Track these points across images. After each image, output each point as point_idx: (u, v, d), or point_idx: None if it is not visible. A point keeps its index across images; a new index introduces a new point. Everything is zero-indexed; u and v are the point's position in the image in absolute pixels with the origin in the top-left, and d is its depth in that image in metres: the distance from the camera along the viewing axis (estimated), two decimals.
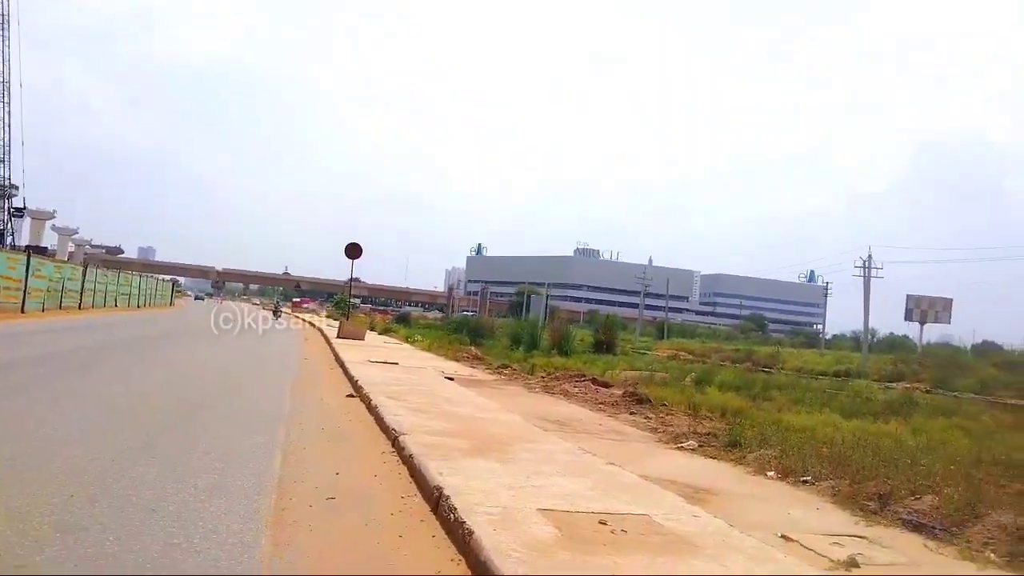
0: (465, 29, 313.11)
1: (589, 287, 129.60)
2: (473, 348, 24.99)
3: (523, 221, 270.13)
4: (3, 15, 53.39)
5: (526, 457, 7.14)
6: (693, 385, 20.26)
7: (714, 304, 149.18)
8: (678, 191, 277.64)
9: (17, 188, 64.81)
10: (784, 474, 7.58)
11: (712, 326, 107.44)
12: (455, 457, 6.82)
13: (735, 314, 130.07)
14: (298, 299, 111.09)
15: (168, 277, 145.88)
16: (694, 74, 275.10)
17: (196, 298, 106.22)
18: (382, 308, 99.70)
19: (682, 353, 43.40)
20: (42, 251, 60.93)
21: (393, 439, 7.76)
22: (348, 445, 7.82)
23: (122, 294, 37.21)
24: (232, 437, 7.46)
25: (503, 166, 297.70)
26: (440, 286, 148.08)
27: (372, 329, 40.59)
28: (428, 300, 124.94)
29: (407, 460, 6.84)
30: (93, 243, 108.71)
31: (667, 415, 12.18)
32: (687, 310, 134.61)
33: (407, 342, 30.22)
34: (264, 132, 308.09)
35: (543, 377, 17.58)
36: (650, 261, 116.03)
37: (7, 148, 56.81)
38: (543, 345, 31.44)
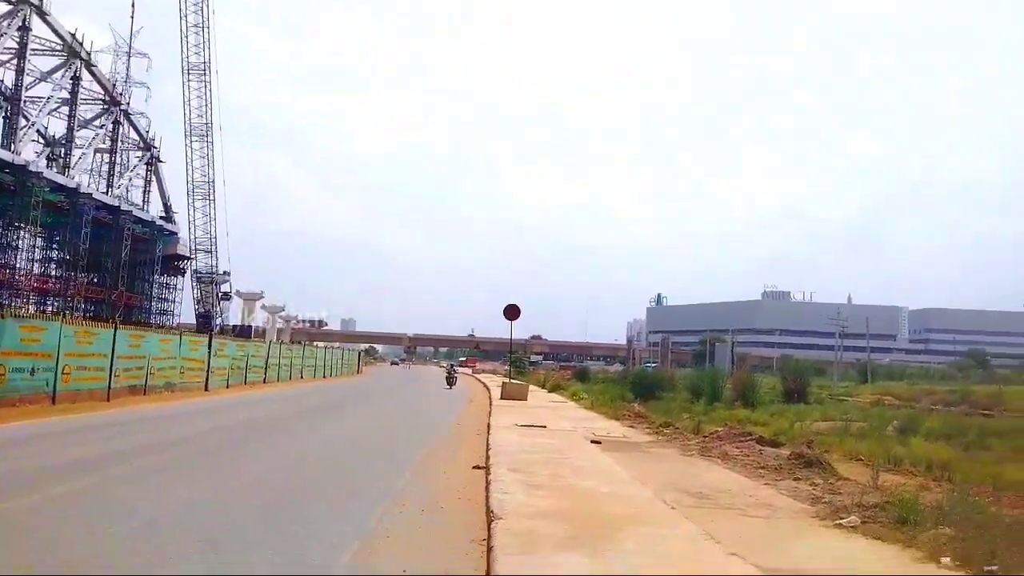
0: (625, 87, 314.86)
1: (781, 331, 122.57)
2: (636, 405, 23.68)
3: (704, 269, 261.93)
4: (206, 124, 59.72)
5: (629, 547, 6.08)
6: (895, 434, 17.92)
7: (926, 341, 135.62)
8: (869, 223, 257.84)
9: (228, 274, 71.49)
10: (964, 561, 5.92)
11: (925, 365, 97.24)
12: (542, 549, 5.96)
13: (951, 351, 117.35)
14: (463, 359, 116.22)
15: (365, 345, 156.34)
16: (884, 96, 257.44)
17: (392, 363, 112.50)
18: (565, 363, 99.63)
19: (887, 398, 39.20)
20: (247, 330, 66.80)
21: (488, 523, 6.97)
22: (440, 531, 7.17)
23: (308, 366, 39.46)
24: (318, 524, 7.08)
25: (680, 214, 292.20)
26: (622, 339, 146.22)
27: (543, 386, 40.17)
28: (610, 353, 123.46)
29: (489, 552, 6.01)
30: (299, 319, 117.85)
31: (839, 480, 10.45)
32: (895, 349, 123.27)
33: (572, 399, 29.38)
34: (444, 204, 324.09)
35: (705, 437, 16.03)
36: (848, 300, 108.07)
37: (214, 240, 63.06)
38: (726, 396, 29.51)
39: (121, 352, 18.51)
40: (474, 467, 10.83)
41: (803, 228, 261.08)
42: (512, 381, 30.31)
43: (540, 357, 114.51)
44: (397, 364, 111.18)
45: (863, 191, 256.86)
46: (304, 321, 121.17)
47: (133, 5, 56.30)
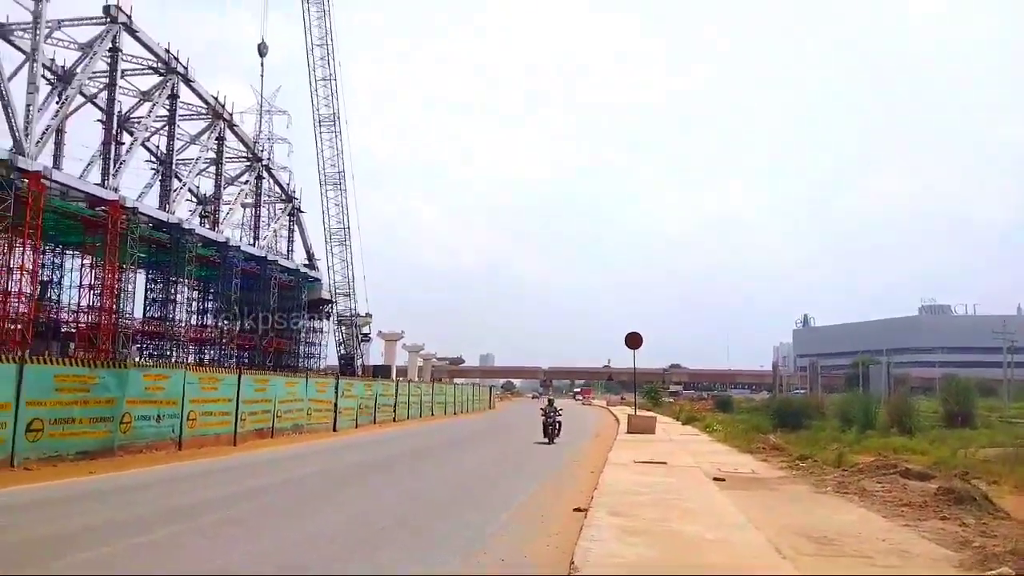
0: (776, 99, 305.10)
1: (944, 349, 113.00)
2: (772, 437, 22.10)
3: (853, 285, 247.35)
4: (339, 173, 62.51)
5: None
6: None
7: None
8: None
9: (370, 316, 74.06)
10: None
11: None
12: None
13: None
14: (577, 391, 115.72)
15: (503, 380, 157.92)
16: None
17: (532, 396, 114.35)
18: (708, 393, 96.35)
19: None
20: (386, 370, 68.72)
21: None
22: None
23: (438, 403, 39.84)
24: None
25: (824, 229, 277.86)
26: (768, 365, 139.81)
27: (677, 418, 38.69)
28: (755, 380, 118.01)
29: None
30: (438, 356, 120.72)
31: (996, 519, 9.05)
32: None
33: (706, 432, 27.94)
34: (574, 232, 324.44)
35: (845, 471, 14.55)
36: (1019, 311, 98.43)
37: (351, 283, 65.46)
38: (880, 422, 27.20)
39: (246, 397, 19.14)
40: (575, 509, 10.20)
41: (960, 233, 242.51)
42: (638, 414, 29.19)
43: (679, 387, 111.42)
44: (537, 397, 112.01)
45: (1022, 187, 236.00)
46: (444, 359, 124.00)
47: (263, 65, 59.67)
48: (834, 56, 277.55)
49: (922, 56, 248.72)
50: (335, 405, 24.72)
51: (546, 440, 22.57)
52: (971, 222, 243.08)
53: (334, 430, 24.36)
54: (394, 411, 31.14)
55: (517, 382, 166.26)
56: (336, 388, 24.99)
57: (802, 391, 68.83)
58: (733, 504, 10.41)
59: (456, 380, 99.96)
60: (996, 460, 15.96)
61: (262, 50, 58.72)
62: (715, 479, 13.51)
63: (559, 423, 23.58)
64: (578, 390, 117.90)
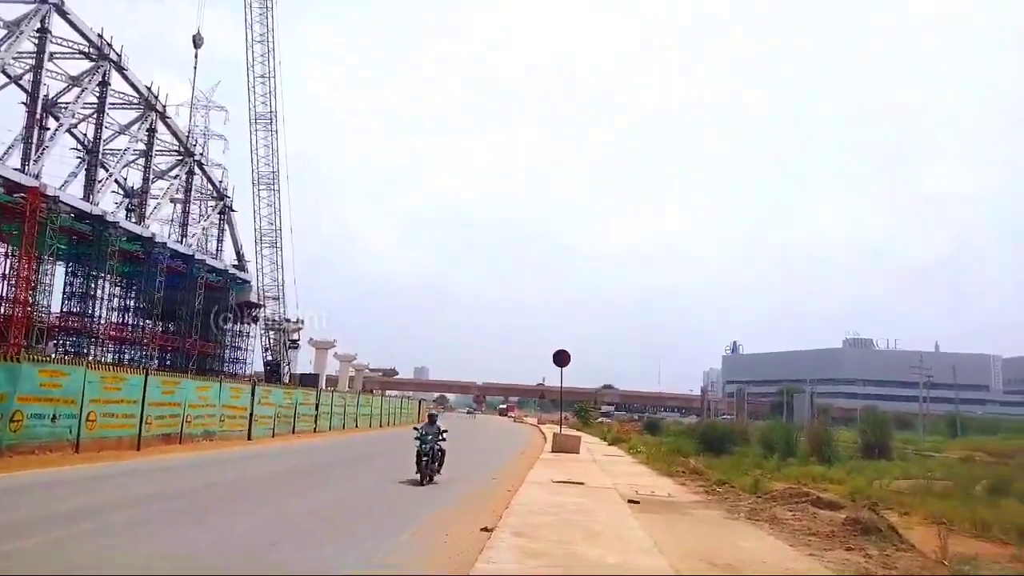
0: (700, 122, 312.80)
1: (865, 381, 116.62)
2: (692, 461, 22.14)
3: (781, 314, 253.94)
4: (273, 173, 61.24)
5: None
6: (985, 495, 16.01)
7: None
8: (957, 269, 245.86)
9: (301, 322, 72.45)
10: None
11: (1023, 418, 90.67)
12: None
13: None
14: (504, 406, 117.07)
15: (436, 394, 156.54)
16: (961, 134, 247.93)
17: (468, 412, 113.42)
18: (638, 414, 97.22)
19: (979, 454, 36.04)
20: (313, 378, 67.23)
21: None
22: None
23: (363, 415, 38.93)
24: None
25: (757, 256, 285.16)
26: (697, 389, 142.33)
27: (604, 438, 38.70)
28: (684, 404, 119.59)
29: None
30: (371, 367, 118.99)
31: (899, 550, 9.03)
32: (989, 401, 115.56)
33: (629, 453, 27.91)
34: (513, 250, 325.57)
35: (759, 497, 14.54)
36: (936, 347, 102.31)
37: (281, 287, 64.03)
38: (801, 451, 27.58)
39: (153, 399, 18.19)
40: (482, 529, 9.81)
41: (885, 271, 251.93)
42: (563, 433, 28.94)
43: (611, 408, 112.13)
44: (472, 414, 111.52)
45: (947, 230, 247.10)
46: (377, 370, 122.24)
47: (196, 56, 57.99)
48: (778, 89, 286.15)
49: (863, 95, 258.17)
50: (251, 412, 23.77)
51: (417, 478, 15.18)
52: (895, 259, 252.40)
53: (249, 438, 23.40)
54: (315, 421, 30.22)
55: (451, 396, 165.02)
56: (252, 394, 24.04)
57: (729, 416, 69.97)
58: (642, 527, 10.22)
59: (389, 392, 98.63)
60: (909, 492, 16.23)
61: (197, 41, 57.25)
62: (630, 501, 13.36)
63: (440, 452, 15.97)
64: (504, 406, 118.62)
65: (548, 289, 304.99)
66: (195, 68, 57.92)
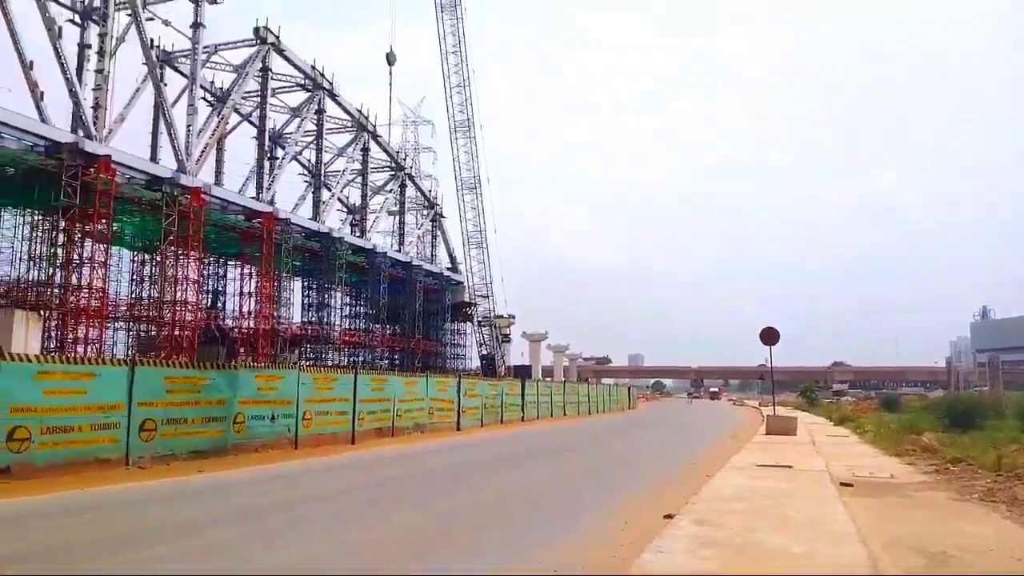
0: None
1: None
2: (924, 438, 19.96)
3: None
4: (475, 177, 63.54)
5: None
6: None
7: None
8: None
9: (513, 318, 74.93)
10: None
11: None
12: None
13: None
14: (715, 389, 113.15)
15: (652, 380, 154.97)
16: None
17: (689, 395, 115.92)
18: (875, 392, 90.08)
19: None
20: (526, 370, 69.01)
21: None
22: None
23: (570, 403, 39.29)
24: None
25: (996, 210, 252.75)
26: (942, 361, 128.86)
27: (829, 418, 36.32)
28: (928, 378, 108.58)
29: None
30: (584, 356, 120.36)
31: None
32: None
33: (855, 433, 25.83)
34: (726, 229, 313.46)
35: (999, 476, 12.76)
36: None
37: (490, 285, 66.32)
38: None
39: (363, 396, 19.48)
40: (665, 516, 9.41)
41: None
42: (777, 414, 27.33)
43: (844, 386, 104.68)
44: (689, 398, 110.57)
45: None
46: (590, 359, 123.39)
47: (391, 74, 61.41)
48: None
49: None
50: (458, 404, 24.92)
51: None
52: None
53: (457, 429, 24.57)
54: (522, 411, 31.01)
55: (668, 382, 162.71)
56: (458, 388, 25.18)
57: (981, 389, 62.97)
58: (846, 513, 9.29)
59: (603, 380, 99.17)
60: None
61: (390, 59, 60.59)
62: (841, 484, 12.22)
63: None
64: (715, 389, 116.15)
65: (762, 263, 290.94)
66: (391, 85, 61.45)
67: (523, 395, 31.70)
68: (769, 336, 25.27)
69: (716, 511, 9.20)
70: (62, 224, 32.10)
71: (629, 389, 68.03)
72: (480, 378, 35.32)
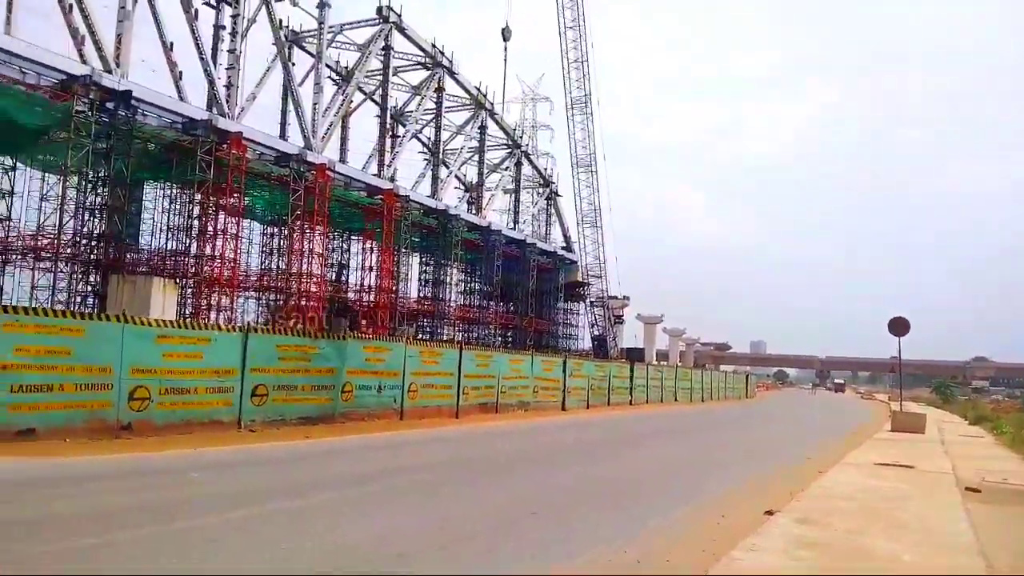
0: None
1: None
2: None
3: None
4: (590, 155, 62.81)
5: None
6: None
7: None
8: None
9: (627, 299, 74.14)
10: None
11: None
12: None
13: None
14: (840, 381, 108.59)
15: (775, 369, 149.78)
16: None
17: (813, 386, 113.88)
18: (1020, 389, 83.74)
19: None
20: (638, 353, 68.00)
21: None
22: None
23: (682, 389, 38.38)
24: None
25: None
26: None
27: (964, 417, 33.98)
28: None
29: None
30: (702, 341, 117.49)
31: None
32: None
33: (992, 434, 24.02)
34: (859, 212, 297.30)
35: None
36: None
37: (603, 265, 65.57)
38: None
39: (469, 371, 19.66)
40: (766, 512, 8.94)
41: None
42: (903, 411, 25.69)
43: (985, 382, 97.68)
44: (816, 387, 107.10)
45: None
46: (709, 344, 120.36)
47: (506, 49, 61.08)
48: None
49: None
50: (563, 384, 24.80)
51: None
52: None
53: (563, 409, 24.46)
54: (630, 394, 30.55)
55: (792, 371, 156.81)
56: (564, 368, 25.03)
57: None
58: (968, 520, 8.53)
59: (723, 367, 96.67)
60: None
61: (505, 35, 60.27)
62: (967, 489, 11.28)
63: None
64: (840, 381, 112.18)
65: (897, 252, 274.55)
66: (505, 61, 61.18)
67: (632, 378, 31.24)
68: (898, 326, 23.65)
69: (822, 510, 8.67)
70: (197, 197, 34.11)
71: (747, 377, 65.88)
72: (590, 359, 35.02)
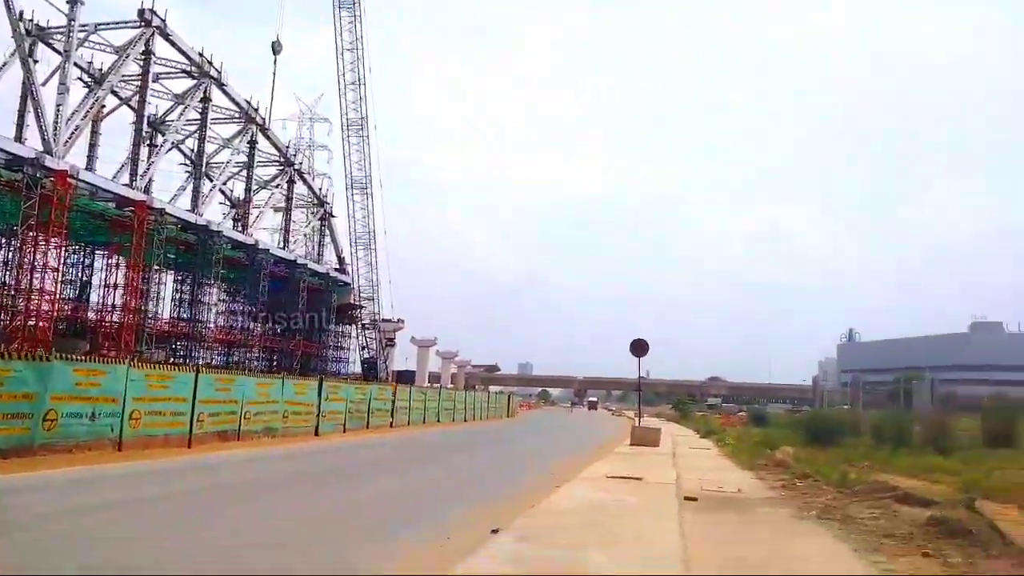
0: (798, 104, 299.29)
1: (995, 367, 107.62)
2: (778, 453, 20.96)
3: (900, 300, 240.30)
4: (366, 177, 62.93)
5: None
6: None
7: None
8: None
9: (402, 322, 74.35)
10: None
11: None
12: None
13: None
14: (594, 399, 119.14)
15: (540, 389, 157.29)
16: None
17: (572, 405, 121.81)
18: (746, 406, 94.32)
19: None
20: (409, 375, 68.63)
21: None
22: None
23: (445, 410, 39.06)
24: None
25: (874, 240, 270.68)
26: (811, 380, 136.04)
27: (698, 431, 37.72)
28: (797, 395, 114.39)
29: None
30: (473, 363, 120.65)
31: (990, 556, 7.93)
32: None
33: (717, 446, 26.94)
34: (613, 245, 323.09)
35: (839, 492, 13.30)
36: None
37: (376, 288, 65.61)
38: (916, 441, 25.71)
39: (206, 396, 18.37)
40: (492, 531, 8.99)
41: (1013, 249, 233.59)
42: (642, 425, 28.15)
43: (718, 400, 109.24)
44: (575, 405, 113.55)
45: None
46: (479, 366, 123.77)
47: (275, 63, 59.17)
48: (870, 73, 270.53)
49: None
50: (318, 408, 24.24)
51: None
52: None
53: (316, 434, 23.70)
54: (391, 416, 30.56)
55: (555, 391, 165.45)
56: (319, 390, 24.43)
57: (844, 407, 66.92)
58: (678, 530, 9.19)
59: (492, 387, 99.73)
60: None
61: (276, 48, 58.74)
62: (686, 499, 12.16)
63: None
64: (593, 399, 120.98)
65: (651, 284, 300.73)
66: (274, 74, 59.24)
67: (394, 400, 31.26)
68: (639, 347, 25.94)
69: (545, 527, 8.96)
70: None
71: (509, 396, 68.41)
72: (353, 382, 34.58)
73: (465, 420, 42.17)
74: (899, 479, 14.57)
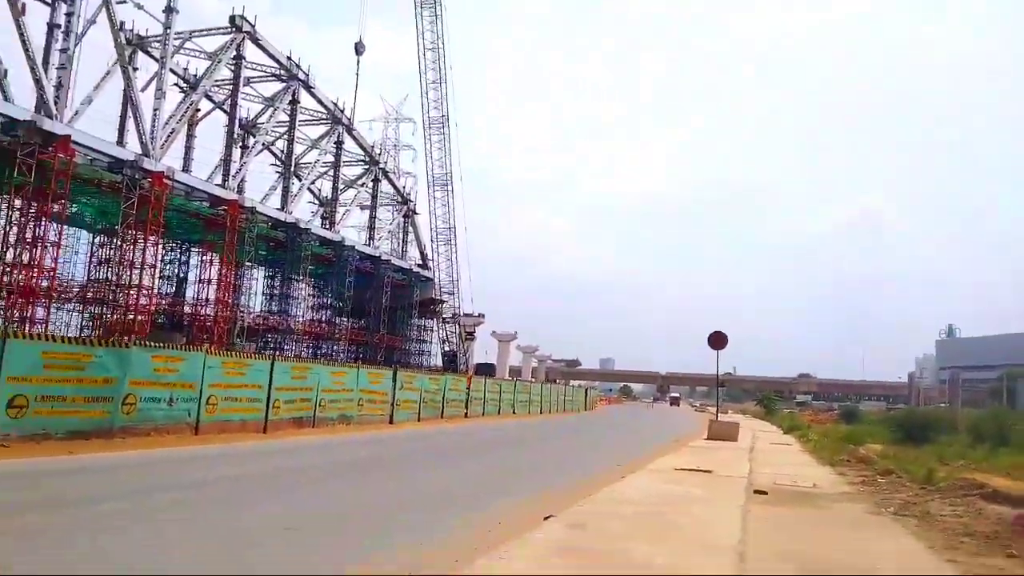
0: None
1: None
2: (863, 449, 20.24)
3: (1005, 295, 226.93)
4: (447, 174, 63.83)
5: None
6: None
7: None
8: None
9: (482, 316, 75.17)
10: None
11: None
12: None
13: None
14: (676, 395, 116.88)
15: (622, 384, 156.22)
16: None
17: (654, 400, 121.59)
18: (837, 404, 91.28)
19: None
20: (489, 368, 69.18)
21: None
22: None
23: (520, 402, 39.29)
24: None
25: (974, 234, 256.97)
26: (906, 377, 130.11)
27: (782, 427, 36.86)
28: (890, 392, 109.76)
29: None
30: (553, 358, 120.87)
31: None
32: None
33: (800, 441, 26.27)
34: (700, 242, 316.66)
35: (921, 489, 12.72)
36: None
37: (456, 283, 66.52)
38: (1016, 440, 24.41)
39: (281, 384, 18.93)
40: (545, 517, 8.62)
41: None
42: (718, 420, 27.65)
43: (808, 397, 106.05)
44: (657, 401, 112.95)
45: None
46: (560, 360, 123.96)
47: (358, 63, 60.23)
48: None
49: None
50: (393, 397, 24.84)
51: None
52: None
53: (390, 422, 24.35)
54: (465, 406, 31.10)
55: (636, 386, 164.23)
56: (394, 379, 25.07)
57: (942, 404, 63.96)
58: (740, 523, 8.88)
59: (573, 382, 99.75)
60: None
61: (359, 49, 59.83)
62: (755, 492, 11.79)
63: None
64: (675, 395, 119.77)
65: (737, 278, 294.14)
66: (357, 74, 60.52)
67: (468, 391, 31.75)
68: (717, 340, 25.38)
69: (599, 514, 8.78)
70: (18, 203, 31.98)
71: (587, 390, 68.32)
72: (422, 372, 35.20)
73: (541, 413, 42.30)
74: (992, 478, 13.82)
